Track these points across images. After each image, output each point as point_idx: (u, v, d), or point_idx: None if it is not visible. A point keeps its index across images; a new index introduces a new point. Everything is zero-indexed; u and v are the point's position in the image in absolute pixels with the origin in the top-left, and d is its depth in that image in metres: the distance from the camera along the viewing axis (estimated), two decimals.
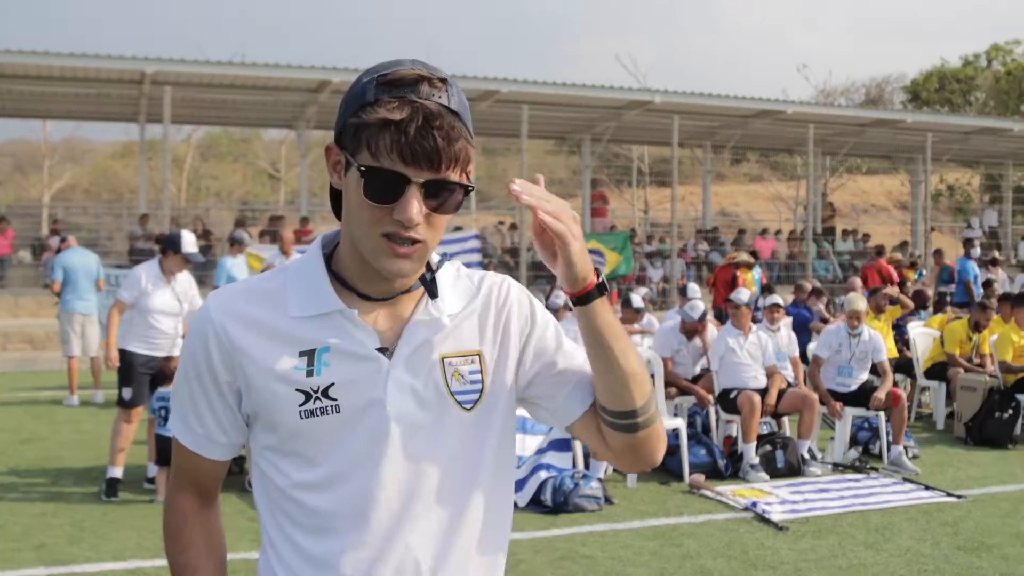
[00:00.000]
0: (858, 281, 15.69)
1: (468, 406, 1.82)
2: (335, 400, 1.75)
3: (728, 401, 9.37)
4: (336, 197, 1.84)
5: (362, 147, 1.65)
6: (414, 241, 1.68)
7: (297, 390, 1.75)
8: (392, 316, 1.81)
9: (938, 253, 22.42)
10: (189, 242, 8.40)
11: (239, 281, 1.90)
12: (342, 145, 1.71)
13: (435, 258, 1.87)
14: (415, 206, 1.65)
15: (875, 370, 10.06)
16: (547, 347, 1.90)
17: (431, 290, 1.81)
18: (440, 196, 1.68)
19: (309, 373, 1.75)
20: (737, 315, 9.68)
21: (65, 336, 13.27)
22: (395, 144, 1.63)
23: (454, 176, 1.68)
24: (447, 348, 1.82)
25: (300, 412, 1.75)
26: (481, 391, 1.84)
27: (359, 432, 1.76)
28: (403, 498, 1.77)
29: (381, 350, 1.77)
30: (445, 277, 1.86)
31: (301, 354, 1.76)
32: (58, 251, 15.04)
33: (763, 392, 9.28)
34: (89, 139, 52.54)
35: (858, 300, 10.12)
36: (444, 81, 1.69)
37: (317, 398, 1.75)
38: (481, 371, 1.84)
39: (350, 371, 1.76)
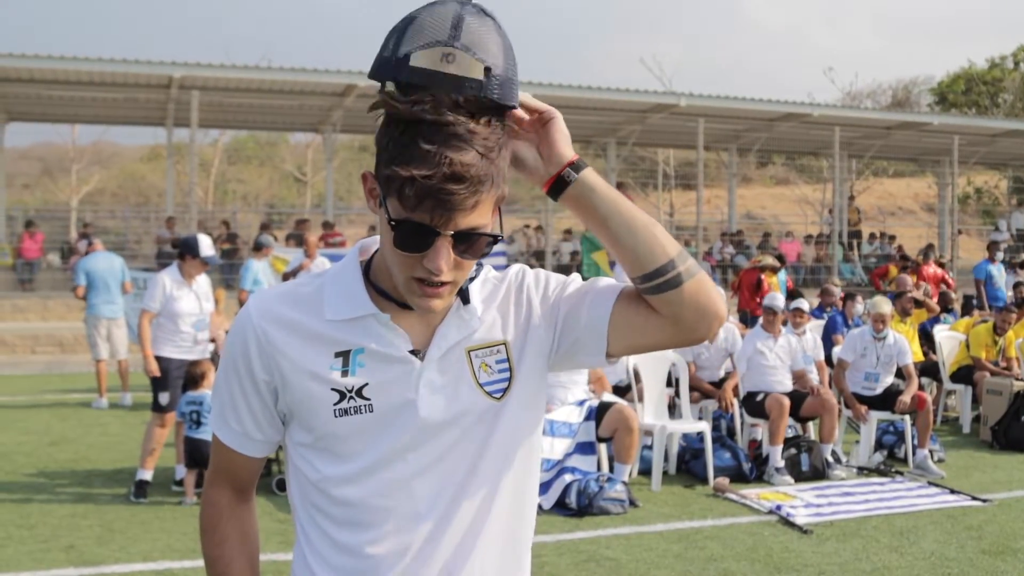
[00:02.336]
0: (908, 279, 15.55)
1: (498, 395, 1.86)
2: (368, 400, 1.80)
3: (754, 404, 9.37)
4: None
5: (392, 195, 1.67)
6: (443, 283, 1.72)
7: (332, 389, 1.81)
8: (425, 321, 1.85)
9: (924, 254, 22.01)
10: (206, 245, 8.55)
11: (278, 285, 1.96)
12: (378, 176, 1.72)
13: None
14: (444, 256, 1.68)
15: (900, 374, 10.04)
16: (570, 297, 1.91)
17: (464, 296, 1.85)
18: (468, 242, 1.70)
19: (344, 373, 1.81)
20: (771, 320, 9.69)
21: (92, 340, 13.37)
22: (424, 199, 1.63)
23: (482, 222, 1.69)
24: (472, 342, 1.87)
25: (335, 411, 1.81)
26: (510, 379, 1.88)
27: (391, 431, 1.81)
28: (431, 495, 1.82)
29: (414, 352, 1.82)
30: (476, 283, 1.90)
31: (337, 355, 1.82)
32: (86, 255, 15.15)
33: (789, 395, 9.29)
34: (117, 142, 52.99)
35: (883, 303, 10.09)
36: (488, 71, 1.67)
37: (351, 397, 1.80)
38: (508, 359, 1.88)
39: (383, 373, 1.81)
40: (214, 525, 1.98)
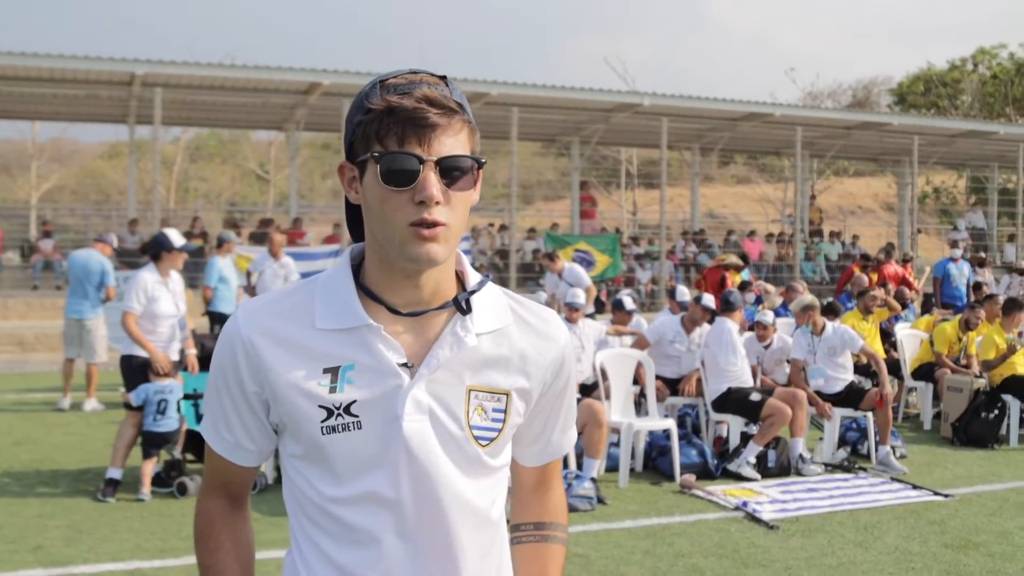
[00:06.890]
0: (864, 277, 15.80)
1: (484, 443, 1.85)
2: (357, 417, 1.77)
3: (748, 404, 9.35)
4: (353, 217, 1.89)
5: (372, 141, 1.72)
6: (437, 224, 1.71)
7: (320, 406, 1.78)
8: (420, 333, 1.82)
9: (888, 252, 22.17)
10: (176, 236, 8.58)
11: (269, 292, 1.94)
12: (355, 155, 1.77)
13: (475, 278, 1.88)
14: (433, 182, 1.70)
15: (862, 371, 10.16)
16: (549, 405, 2.00)
17: (462, 308, 1.83)
18: (453, 173, 1.73)
19: (332, 390, 1.78)
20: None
21: (64, 339, 13.09)
22: (402, 127, 1.69)
23: (463, 152, 1.74)
24: (477, 381, 1.85)
25: (322, 428, 1.78)
26: (500, 431, 1.87)
27: (380, 448, 1.78)
28: (418, 516, 1.80)
29: (405, 366, 1.79)
30: (484, 297, 1.88)
31: (325, 371, 1.78)
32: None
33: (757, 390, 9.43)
34: (77, 140, 52.47)
35: (803, 299, 10.57)
36: (443, 78, 1.77)
37: (339, 415, 1.77)
38: (506, 411, 1.87)
39: (373, 388, 1.78)
40: (208, 533, 1.96)
